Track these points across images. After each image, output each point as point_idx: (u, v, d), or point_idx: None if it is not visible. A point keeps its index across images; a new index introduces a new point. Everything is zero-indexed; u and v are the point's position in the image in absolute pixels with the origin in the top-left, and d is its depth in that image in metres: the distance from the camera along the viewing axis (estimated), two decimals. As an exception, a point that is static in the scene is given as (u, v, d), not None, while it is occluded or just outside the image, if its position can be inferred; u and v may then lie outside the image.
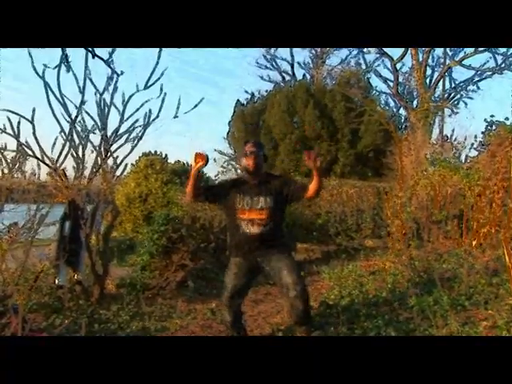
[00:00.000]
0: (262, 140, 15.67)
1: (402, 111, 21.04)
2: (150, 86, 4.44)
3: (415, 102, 20.15)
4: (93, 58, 4.31)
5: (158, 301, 4.49)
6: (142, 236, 5.98)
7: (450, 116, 18.69)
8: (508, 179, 5.58)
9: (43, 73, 4.17)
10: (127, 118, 4.44)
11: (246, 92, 22.16)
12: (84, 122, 4.36)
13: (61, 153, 4.27)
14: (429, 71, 19.99)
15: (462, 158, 9.18)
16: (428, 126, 16.81)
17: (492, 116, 7.48)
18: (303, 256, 7.12)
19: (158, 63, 4.43)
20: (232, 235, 3.24)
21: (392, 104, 21.58)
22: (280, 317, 4.03)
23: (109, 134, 4.42)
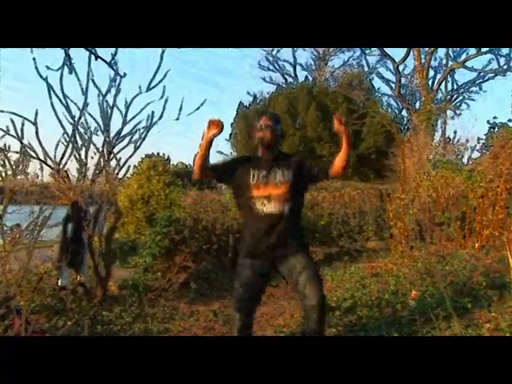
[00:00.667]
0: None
1: (405, 113, 21.07)
2: (153, 87, 4.46)
3: (417, 104, 20.18)
4: (96, 59, 4.33)
5: (160, 302, 4.49)
6: (145, 238, 5.99)
7: (452, 118, 18.70)
8: (511, 181, 5.57)
9: (46, 75, 4.19)
10: (130, 120, 4.46)
11: (249, 94, 22.25)
12: (87, 123, 4.39)
13: (64, 154, 4.29)
14: (431, 73, 20.05)
15: (465, 159, 9.19)
16: (430, 128, 16.81)
17: (495, 118, 7.50)
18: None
19: (160, 65, 4.45)
20: (245, 220, 2.80)
21: (394, 106, 21.63)
22: (282, 319, 4.03)
23: (111, 135, 4.43)
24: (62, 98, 4.25)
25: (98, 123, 4.38)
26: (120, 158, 4.50)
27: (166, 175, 9.19)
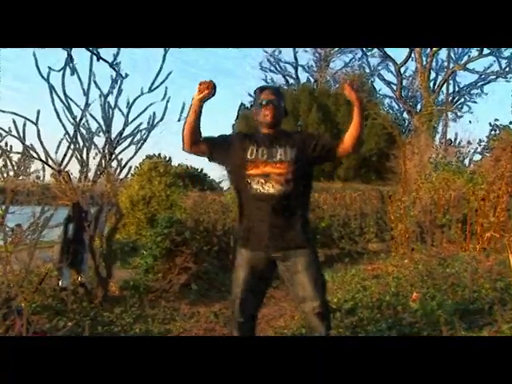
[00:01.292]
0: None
1: (406, 115, 21.08)
2: (155, 88, 4.46)
3: (419, 106, 20.18)
4: (97, 60, 4.34)
5: (161, 303, 4.49)
6: (146, 239, 6.00)
7: (454, 120, 18.71)
8: (512, 183, 5.58)
9: (48, 75, 4.19)
10: (132, 121, 4.47)
11: (250, 95, 22.25)
12: (88, 124, 4.39)
13: (65, 155, 4.29)
14: (433, 75, 20.04)
15: (466, 161, 9.19)
16: (432, 130, 16.81)
17: (496, 120, 7.49)
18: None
19: (162, 66, 4.45)
20: (240, 203, 2.44)
21: (396, 107, 21.64)
22: (283, 320, 4.02)
23: (113, 136, 4.44)
24: (63, 98, 4.26)
25: (99, 124, 4.39)
26: (121, 159, 4.51)
27: (167, 176, 9.21)
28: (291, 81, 24.77)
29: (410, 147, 10.45)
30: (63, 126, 4.28)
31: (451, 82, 20.16)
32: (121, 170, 4.53)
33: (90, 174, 4.47)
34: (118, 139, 4.45)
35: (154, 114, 4.45)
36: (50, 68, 4.19)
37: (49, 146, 4.24)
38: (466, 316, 3.50)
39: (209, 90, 2.33)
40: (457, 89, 20.21)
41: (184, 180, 10.77)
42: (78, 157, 4.36)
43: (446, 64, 19.76)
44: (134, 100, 4.46)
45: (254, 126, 2.59)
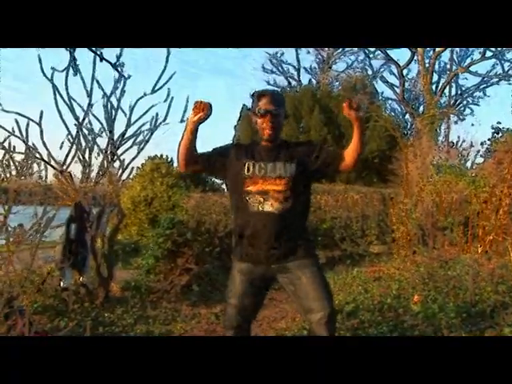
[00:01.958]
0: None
1: (408, 117, 21.07)
2: (158, 89, 4.46)
3: (421, 108, 20.18)
4: (101, 61, 4.35)
5: (162, 304, 4.49)
6: (147, 239, 6.01)
7: (456, 123, 18.71)
8: (514, 186, 5.57)
9: (52, 75, 4.20)
10: (134, 122, 4.47)
11: (252, 96, 22.23)
12: (91, 125, 4.40)
13: (67, 155, 4.30)
14: (435, 77, 20.08)
15: (468, 164, 9.18)
16: (434, 132, 16.79)
17: (498, 123, 7.49)
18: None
19: (165, 68, 4.45)
20: (237, 220, 2.38)
21: (398, 110, 21.63)
22: (284, 322, 4.02)
23: (115, 137, 4.44)
24: (66, 99, 4.26)
25: (102, 124, 4.40)
26: (124, 160, 4.51)
27: (169, 177, 9.21)
28: (293, 82, 24.80)
29: (412, 149, 10.41)
30: (66, 126, 4.29)
31: (454, 84, 20.21)
32: (123, 171, 4.54)
33: (93, 175, 4.49)
34: (121, 140, 4.46)
35: (157, 114, 4.45)
36: (53, 68, 4.20)
37: (51, 146, 4.25)
38: (468, 319, 3.49)
39: (205, 111, 2.24)
40: (459, 91, 20.23)
41: (186, 181, 10.76)
42: (81, 157, 4.36)
43: (448, 66, 19.81)
44: (137, 101, 4.46)
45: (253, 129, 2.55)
